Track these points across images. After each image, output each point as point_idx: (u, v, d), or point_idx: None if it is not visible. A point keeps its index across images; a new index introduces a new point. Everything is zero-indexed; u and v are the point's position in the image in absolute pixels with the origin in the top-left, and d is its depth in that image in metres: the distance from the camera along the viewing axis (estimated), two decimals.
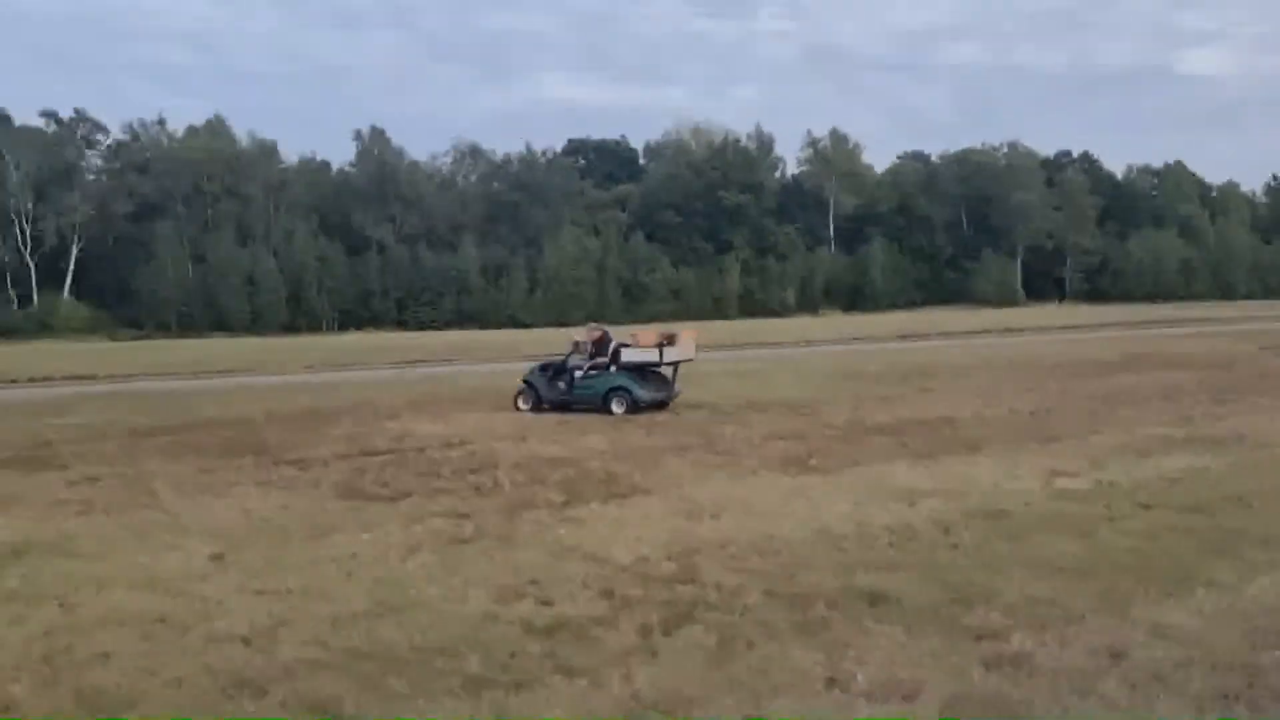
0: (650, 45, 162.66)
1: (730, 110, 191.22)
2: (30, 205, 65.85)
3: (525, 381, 18.05)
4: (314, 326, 69.44)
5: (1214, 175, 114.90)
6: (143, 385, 26.83)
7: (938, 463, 11.54)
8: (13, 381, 28.87)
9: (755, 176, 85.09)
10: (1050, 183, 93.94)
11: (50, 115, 72.09)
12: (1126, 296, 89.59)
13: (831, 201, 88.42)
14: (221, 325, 66.74)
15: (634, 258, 77.73)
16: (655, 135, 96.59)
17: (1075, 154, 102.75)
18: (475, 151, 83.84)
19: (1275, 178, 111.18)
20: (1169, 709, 4.76)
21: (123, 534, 8.84)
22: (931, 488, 10.03)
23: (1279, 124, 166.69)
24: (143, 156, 73.15)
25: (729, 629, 5.94)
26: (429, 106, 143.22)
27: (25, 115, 72.55)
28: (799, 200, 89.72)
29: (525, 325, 67.45)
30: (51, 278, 67.32)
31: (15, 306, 64.87)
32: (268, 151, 75.75)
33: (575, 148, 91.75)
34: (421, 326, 70.26)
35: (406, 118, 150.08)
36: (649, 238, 79.54)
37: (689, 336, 18.49)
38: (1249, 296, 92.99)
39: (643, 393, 17.10)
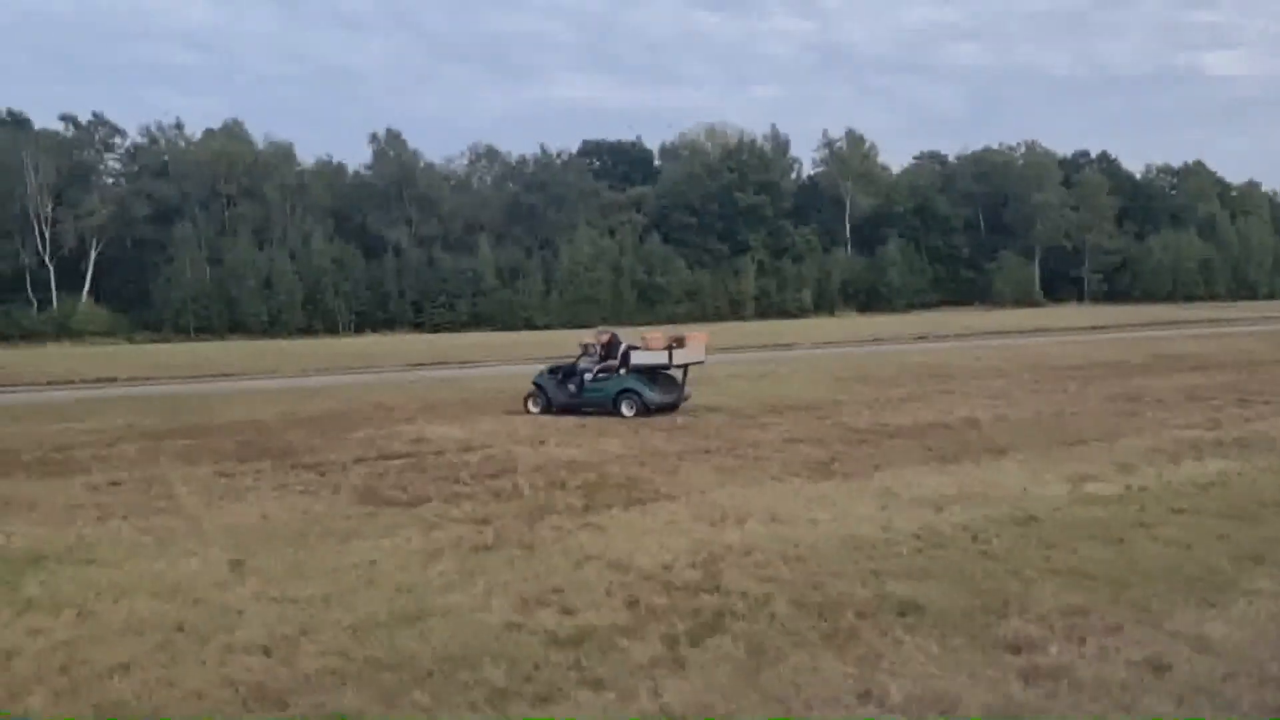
0: (658, 45, 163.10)
1: (739, 110, 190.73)
2: (49, 208, 66.26)
3: (535, 384, 18.02)
4: (330, 329, 69.62)
5: (1234, 174, 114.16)
6: (160, 388, 26.90)
7: (962, 467, 11.37)
8: (32, 384, 29.03)
9: (771, 177, 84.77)
10: (1068, 182, 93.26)
11: (69, 119, 72.64)
12: (1146, 297, 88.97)
13: (848, 202, 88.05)
14: (238, 327, 67.00)
15: (649, 259, 77.56)
16: (669, 136, 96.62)
17: (1093, 153, 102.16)
18: (491, 153, 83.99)
19: None
20: None
21: (141, 539, 8.78)
22: (957, 493, 9.87)
23: None
24: (160, 159, 73.52)
25: (757, 639, 5.82)
26: (437, 107, 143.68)
27: (44, 119, 73.29)
28: (815, 201, 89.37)
29: (541, 327, 67.44)
30: (70, 280, 67.70)
31: (35, 309, 65.25)
32: (285, 154, 75.97)
33: (590, 149, 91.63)
34: (437, 328, 70.34)
35: (413, 119, 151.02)
36: (665, 239, 79.36)
37: (698, 339, 18.39)
38: (1270, 296, 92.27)
39: (652, 395, 17.01)
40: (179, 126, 76.18)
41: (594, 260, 75.36)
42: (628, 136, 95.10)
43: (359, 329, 70.18)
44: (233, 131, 75.28)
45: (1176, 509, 8.87)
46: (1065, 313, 72.64)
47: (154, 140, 75.54)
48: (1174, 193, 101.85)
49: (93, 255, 68.23)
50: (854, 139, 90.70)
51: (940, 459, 11.94)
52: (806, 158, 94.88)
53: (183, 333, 65.91)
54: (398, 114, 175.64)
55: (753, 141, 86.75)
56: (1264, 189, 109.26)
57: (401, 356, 38.55)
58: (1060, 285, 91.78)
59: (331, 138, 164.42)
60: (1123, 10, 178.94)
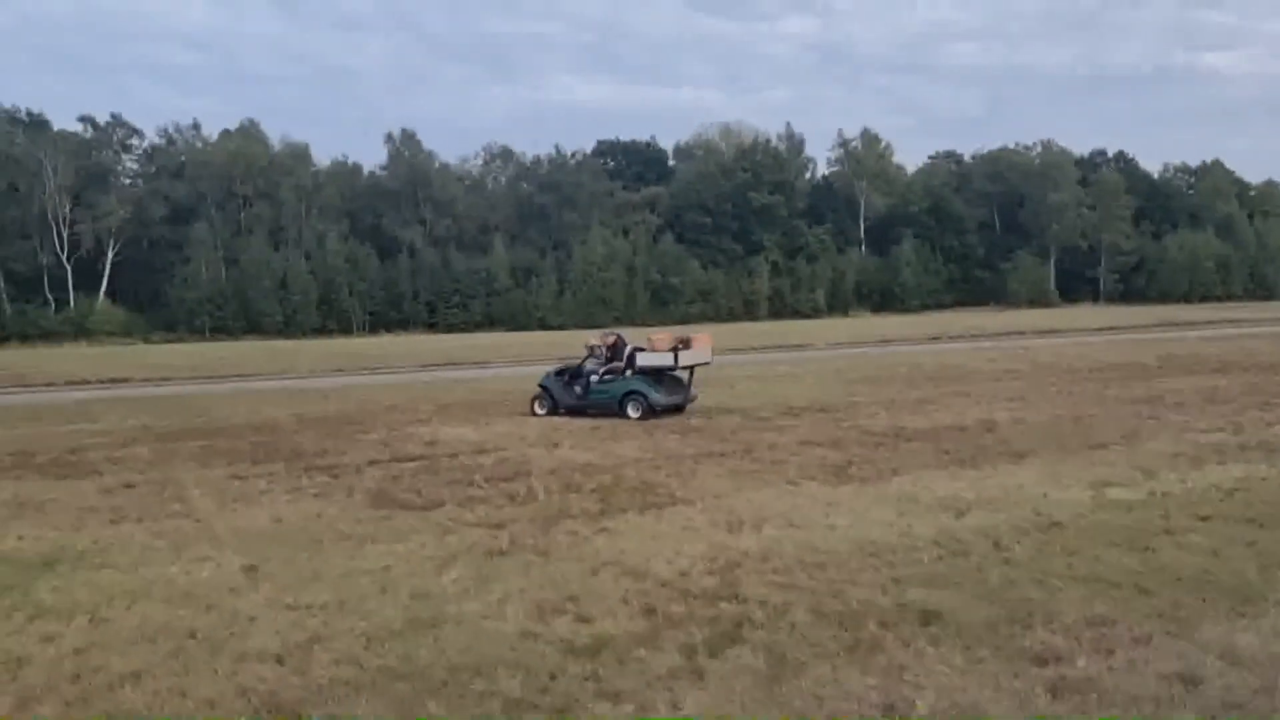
0: (663, 46, 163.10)
1: (750, 112, 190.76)
2: (67, 209, 66.72)
3: (541, 386, 18.03)
4: (345, 329, 69.87)
5: (1253, 174, 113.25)
6: (175, 389, 26.98)
7: (981, 471, 11.21)
8: (48, 385, 29.15)
9: (785, 177, 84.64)
10: (1084, 182, 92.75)
11: (87, 120, 73.21)
12: (1162, 297, 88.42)
13: (862, 202, 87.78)
14: (254, 328, 67.29)
15: (663, 259, 77.52)
16: (682, 136, 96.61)
17: (1110, 153, 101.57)
18: (506, 153, 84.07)
19: None
20: None
21: (154, 543, 8.73)
22: (976, 498, 9.73)
23: None
24: (177, 160, 73.93)
25: (777, 650, 5.71)
26: (438, 107, 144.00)
27: (62, 120, 73.69)
28: (829, 201, 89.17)
29: (554, 327, 67.47)
30: (88, 281, 68.13)
31: (52, 309, 65.68)
32: (300, 155, 76.25)
33: (604, 149, 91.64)
34: (451, 329, 70.48)
35: (413, 119, 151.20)
36: (678, 239, 79.31)
37: (704, 340, 18.31)
38: None
39: (658, 397, 16.96)
40: (196, 127, 76.87)
41: (607, 260, 75.36)
42: (642, 136, 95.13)
43: (373, 329, 70.42)
44: (248, 132, 75.66)
45: (1201, 515, 8.71)
46: (1081, 313, 72.20)
47: (171, 141, 76.08)
48: (1191, 192, 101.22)
49: (110, 256, 68.65)
50: (869, 139, 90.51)
51: (958, 462, 11.79)
52: (821, 158, 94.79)
53: (198, 333, 66.24)
54: (398, 114, 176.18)
55: (767, 141, 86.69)
56: None
57: (415, 357, 38.59)
58: (1076, 285, 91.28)
59: (331, 137, 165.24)
60: (1139, 9, 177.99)
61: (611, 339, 18.19)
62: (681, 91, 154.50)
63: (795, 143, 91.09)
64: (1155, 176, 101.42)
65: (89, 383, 29.52)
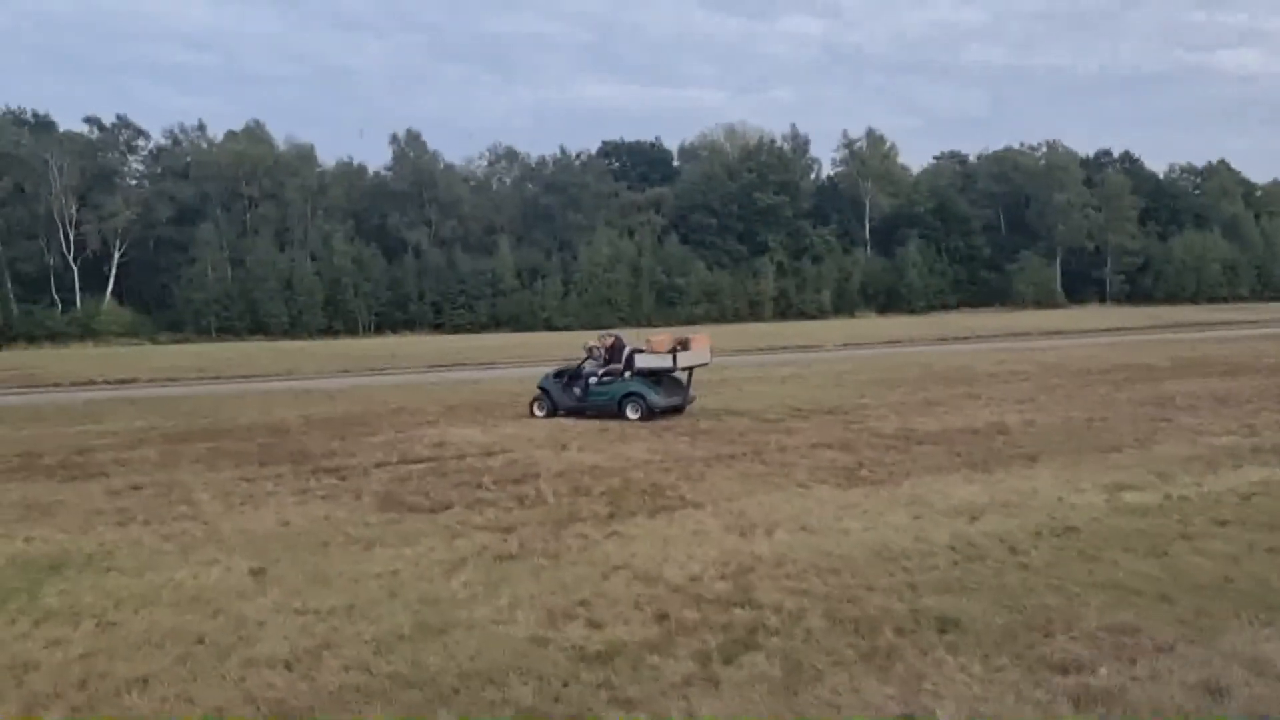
0: (666, 46, 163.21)
1: (753, 112, 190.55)
2: (74, 210, 66.78)
3: (540, 388, 17.99)
4: (351, 330, 69.88)
5: (1260, 174, 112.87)
6: (181, 389, 26.95)
7: (993, 475, 11.11)
8: (55, 386, 29.15)
9: (790, 177, 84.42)
10: (1090, 182, 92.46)
11: (93, 121, 73.29)
12: (1168, 298, 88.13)
13: (867, 202, 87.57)
14: (260, 329, 67.31)
15: (668, 260, 77.39)
16: (687, 136, 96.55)
17: (1116, 153, 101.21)
18: (511, 154, 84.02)
19: None
20: None
21: (162, 547, 8.67)
22: (990, 501, 9.63)
23: None
24: (183, 161, 73.92)
25: (793, 657, 5.62)
26: (446, 107, 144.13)
27: (68, 121, 73.83)
28: (834, 201, 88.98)
29: (560, 328, 67.41)
30: (94, 282, 68.18)
31: (59, 310, 65.74)
32: (305, 155, 76.24)
33: (609, 149, 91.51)
34: (457, 329, 70.44)
35: (420, 119, 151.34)
36: (683, 240, 79.19)
37: (703, 341, 18.26)
38: None
39: (657, 398, 16.92)
40: (201, 128, 76.78)
41: (612, 261, 75.25)
42: (647, 137, 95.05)
43: (379, 330, 70.42)
44: (254, 133, 75.65)
45: (1219, 520, 8.61)
46: (1087, 314, 71.97)
47: (176, 142, 76.05)
48: (1197, 193, 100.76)
49: (116, 256, 68.68)
50: (874, 139, 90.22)
51: (970, 466, 11.69)
52: (826, 158, 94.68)
53: (204, 334, 66.26)
54: (400, 114, 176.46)
55: (772, 142, 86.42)
56: None
57: (421, 358, 38.55)
58: (1081, 286, 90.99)
59: (333, 138, 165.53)
60: (1145, 9, 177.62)
61: (610, 340, 18.16)
62: (686, 91, 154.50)
63: (800, 143, 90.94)
64: (1161, 177, 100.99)
65: (95, 383, 29.51)
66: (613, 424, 16.36)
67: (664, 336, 18.28)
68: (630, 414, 16.78)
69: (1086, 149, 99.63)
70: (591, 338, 19.13)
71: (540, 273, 74.87)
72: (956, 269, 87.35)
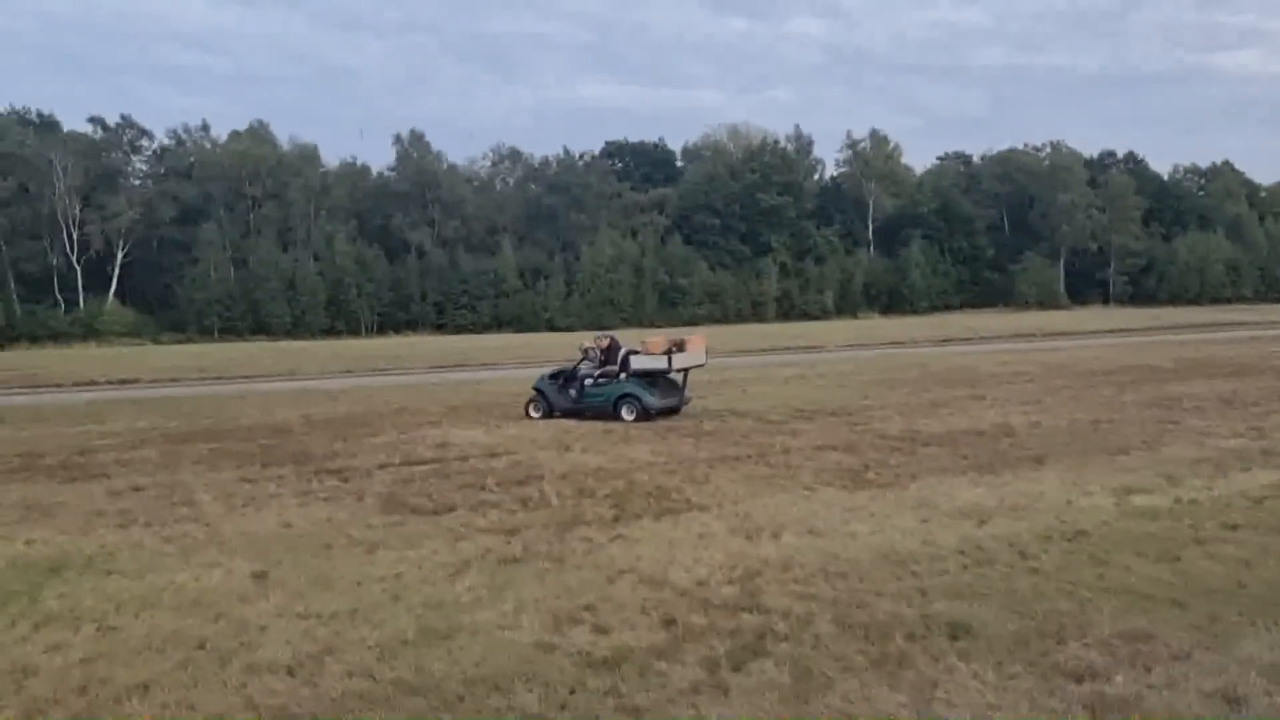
0: (669, 46, 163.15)
1: (756, 112, 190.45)
2: (77, 210, 66.74)
3: (536, 389, 17.95)
4: (353, 330, 69.83)
5: (1264, 175, 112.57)
6: (184, 390, 26.89)
7: (1000, 477, 11.02)
8: (57, 386, 29.10)
9: (794, 178, 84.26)
10: (1093, 183, 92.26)
11: (96, 121, 73.28)
12: (1172, 299, 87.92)
13: (870, 203, 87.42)
14: (262, 329, 67.27)
15: (671, 260, 77.27)
16: (690, 136, 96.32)
17: (1120, 154, 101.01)
18: (514, 154, 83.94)
19: None
20: None
21: (163, 549, 8.60)
22: (998, 504, 9.55)
23: None
24: (186, 161, 73.88)
25: (802, 664, 5.54)
26: (447, 108, 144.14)
27: (71, 121, 73.81)
28: (838, 202, 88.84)
29: (562, 329, 67.32)
30: (97, 282, 68.15)
31: (62, 310, 65.71)
32: (308, 156, 76.18)
33: (612, 150, 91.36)
34: (459, 330, 70.38)
35: (421, 119, 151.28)
36: (686, 240, 79.05)
37: (698, 342, 18.22)
38: None
39: (653, 400, 16.88)
40: (205, 128, 76.76)
41: (615, 262, 75.15)
42: (650, 137, 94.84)
43: (381, 330, 70.36)
44: (257, 133, 75.60)
45: (1230, 524, 8.52)
46: (1091, 315, 71.79)
47: (180, 142, 76.01)
48: (1201, 193, 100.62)
49: (119, 256, 68.65)
50: (878, 139, 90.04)
51: (976, 468, 11.61)
52: (829, 159, 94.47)
53: (207, 334, 66.24)
54: (399, 114, 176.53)
55: (775, 142, 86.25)
56: None
57: (423, 358, 38.48)
58: (1085, 287, 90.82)
59: (335, 138, 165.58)
60: (1150, 9, 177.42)
61: (605, 341, 18.12)
62: (689, 92, 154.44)
63: (803, 143, 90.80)
64: (1165, 178, 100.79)
65: (98, 384, 29.46)
66: (615, 425, 16.29)
67: (659, 338, 18.25)
68: (625, 415, 16.74)
69: (1089, 149, 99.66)
70: (588, 339, 19.10)
71: (543, 273, 74.80)
72: (960, 270, 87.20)
